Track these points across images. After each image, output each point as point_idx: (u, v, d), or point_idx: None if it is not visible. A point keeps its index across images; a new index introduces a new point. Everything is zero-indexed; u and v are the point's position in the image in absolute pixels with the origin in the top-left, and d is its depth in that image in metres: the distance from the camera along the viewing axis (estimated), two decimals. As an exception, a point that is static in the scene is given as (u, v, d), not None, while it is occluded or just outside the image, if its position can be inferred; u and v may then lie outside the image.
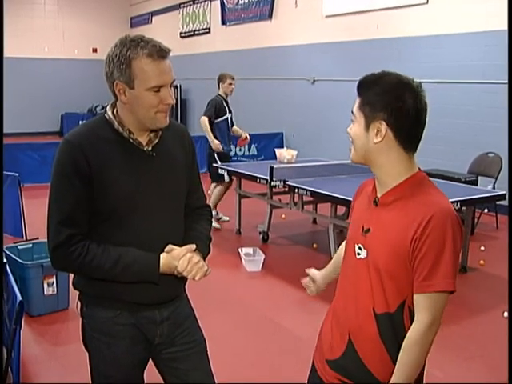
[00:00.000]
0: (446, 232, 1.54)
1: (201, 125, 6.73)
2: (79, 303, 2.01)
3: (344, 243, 1.93)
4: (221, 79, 6.86)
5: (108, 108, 1.89)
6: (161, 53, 1.76)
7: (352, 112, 1.66)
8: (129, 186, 1.82)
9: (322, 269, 2.08)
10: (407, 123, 1.60)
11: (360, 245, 1.68)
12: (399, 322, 1.63)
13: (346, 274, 1.76)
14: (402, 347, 1.61)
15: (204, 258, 1.94)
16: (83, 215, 1.81)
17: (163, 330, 1.98)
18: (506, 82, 6.83)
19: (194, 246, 1.88)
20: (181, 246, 1.88)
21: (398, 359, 1.61)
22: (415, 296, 1.59)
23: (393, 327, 1.64)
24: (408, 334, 1.60)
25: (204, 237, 2.03)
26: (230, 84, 6.81)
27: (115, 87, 1.80)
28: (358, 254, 1.69)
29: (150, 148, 1.88)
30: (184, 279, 1.95)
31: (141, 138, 1.87)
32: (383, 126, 1.58)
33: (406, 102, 1.57)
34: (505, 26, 6.84)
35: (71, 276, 1.93)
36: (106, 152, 1.81)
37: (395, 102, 1.57)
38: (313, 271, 2.08)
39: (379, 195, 1.67)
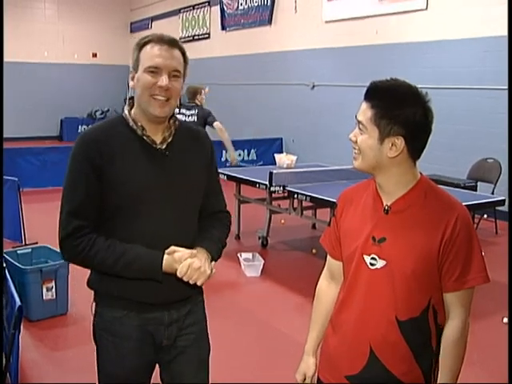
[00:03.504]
0: (471, 229, 1.62)
1: (219, 132, 6.76)
2: (94, 303, 2.01)
3: (323, 283, 1.93)
4: (199, 91, 6.90)
5: (125, 107, 1.94)
6: (164, 38, 1.84)
7: (358, 120, 1.62)
8: (137, 183, 1.84)
9: (309, 339, 1.94)
10: (421, 137, 1.61)
11: (373, 255, 1.66)
12: (424, 323, 1.66)
13: (355, 287, 1.71)
14: (444, 346, 1.66)
15: (212, 261, 1.92)
16: (93, 208, 1.84)
17: (172, 332, 1.98)
18: (505, 87, 6.84)
19: (195, 252, 1.86)
20: (188, 247, 1.86)
21: (442, 358, 1.66)
22: (448, 295, 1.64)
23: (418, 330, 1.66)
24: (448, 332, 1.65)
25: (216, 239, 2.01)
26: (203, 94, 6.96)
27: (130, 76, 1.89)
28: (372, 264, 1.66)
29: (163, 146, 1.90)
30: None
31: (154, 136, 1.89)
32: (400, 141, 1.57)
33: (421, 116, 1.57)
34: (503, 32, 6.86)
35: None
36: (118, 148, 1.84)
37: (412, 118, 1.55)
38: (307, 374, 1.92)
39: (388, 203, 1.65)
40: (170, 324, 1.96)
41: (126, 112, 1.91)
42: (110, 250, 1.81)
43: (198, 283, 1.82)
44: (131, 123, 1.89)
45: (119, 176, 1.82)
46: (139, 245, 1.84)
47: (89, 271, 1.97)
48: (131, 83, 1.88)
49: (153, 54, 1.81)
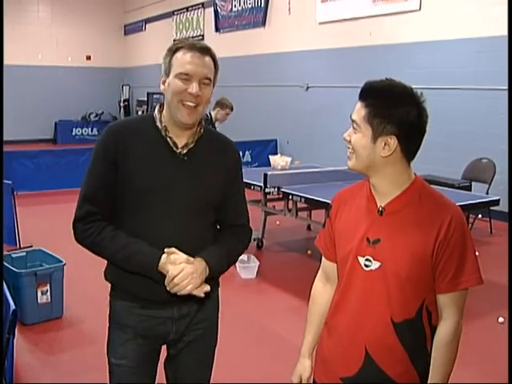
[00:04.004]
0: (465, 230, 1.62)
1: None
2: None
3: (318, 285, 1.92)
4: (221, 105, 6.45)
5: (156, 107, 1.97)
6: (196, 45, 1.87)
7: (352, 119, 1.62)
8: (147, 182, 1.86)
9: (306, 341, 1.94)
10: (415, 137, 1.61)
11: (368, 256, 1.65)
12: (419, 325, 1.65)
13: (350, 289, 1.71)
14: (437, 347, 1.66)
15: (212, 273, 1.88)
16: (107, 197, 1.89)
17: (180, 327, 1.99)
18: (499, 87, 6.87)
19: (193, 260, 1.83)
20: (191, 255, 1.84)
21: (434, 359, 1.66)
22: (441, 296, 1.64)
23: (413, 331, 1.65)
24: (440, 332, 1.65)
25: (223, 253, 1.96)
26: (227, 114, 6.52)
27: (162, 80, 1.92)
28: (367, 266, 1.66)
29: (184, 151, 1.91)
30: (214, 280, 1.92)
31: (177, 139, 1.91)
32: (393, 141, 1.57)
33: (415, 116, 1.56)
34: (496, 32, 6.90)
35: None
36: (137, 145, 1.88)
37: (406, 117, 1.55)
38: (303, 376, 1.92)
39: (382, 204, 1.65)
40: (179, 319, 1.98)
41: (156, 111, 1.94)
42: (115, 240, 1.85)
43: (188, 288, 1.78)
44: (158, 122, 1.92)
45: (131, 173, 1.86)
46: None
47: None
48: (162, 87, 1.91)
49: (184, 61, 1.84)
